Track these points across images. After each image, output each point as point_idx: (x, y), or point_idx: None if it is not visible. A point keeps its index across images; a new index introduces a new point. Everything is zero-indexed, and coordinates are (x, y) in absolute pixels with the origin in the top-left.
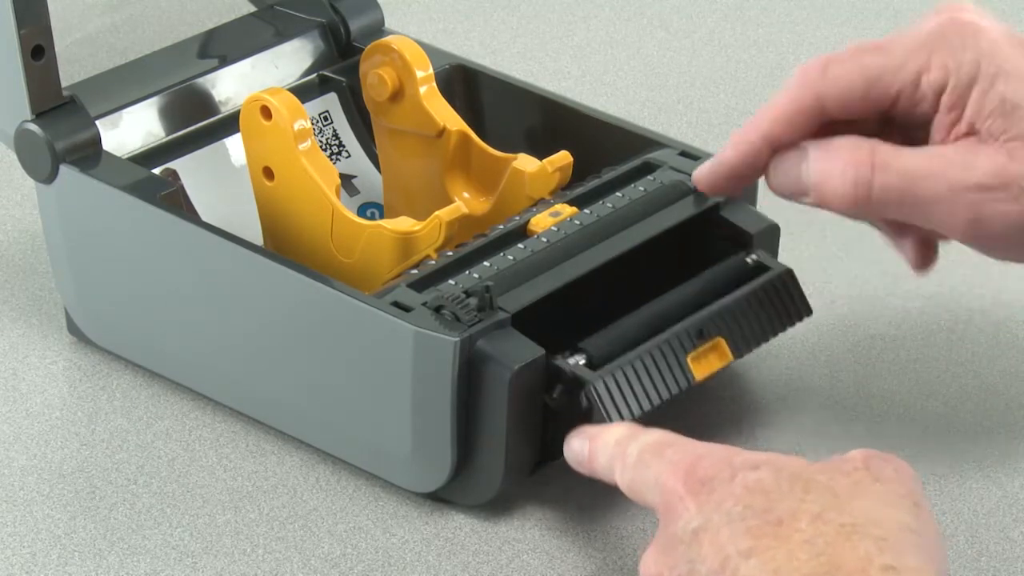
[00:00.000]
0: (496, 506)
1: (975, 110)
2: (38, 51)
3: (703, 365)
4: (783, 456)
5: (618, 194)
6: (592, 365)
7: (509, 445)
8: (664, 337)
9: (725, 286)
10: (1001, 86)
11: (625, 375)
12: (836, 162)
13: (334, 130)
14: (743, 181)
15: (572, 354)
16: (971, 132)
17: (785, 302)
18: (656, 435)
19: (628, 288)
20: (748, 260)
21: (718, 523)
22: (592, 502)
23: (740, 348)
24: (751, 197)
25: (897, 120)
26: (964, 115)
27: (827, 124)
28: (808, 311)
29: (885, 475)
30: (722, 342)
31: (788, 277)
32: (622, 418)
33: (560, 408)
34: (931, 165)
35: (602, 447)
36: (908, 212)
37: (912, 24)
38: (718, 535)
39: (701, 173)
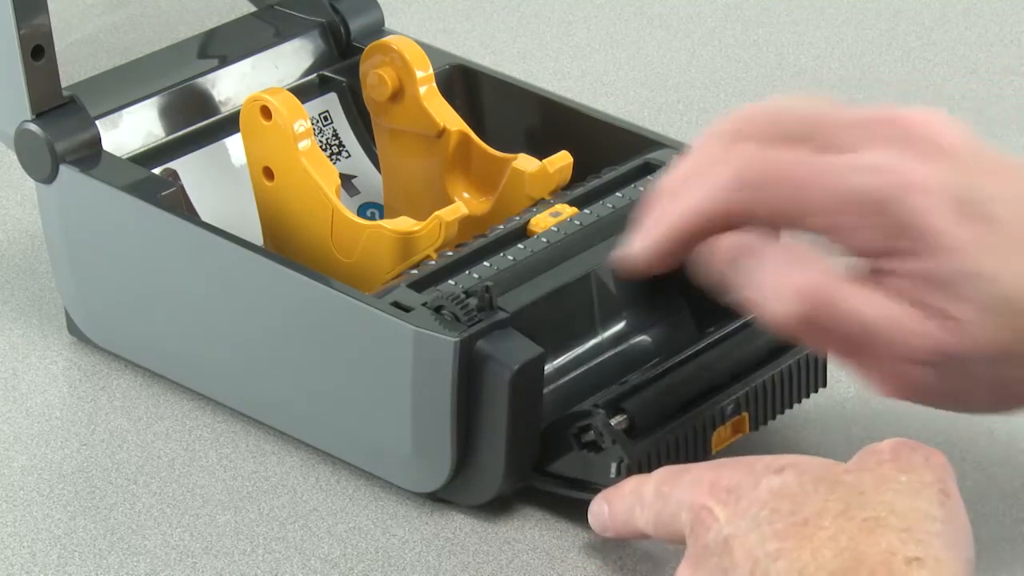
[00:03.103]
0: (496, 506)
1: (901, 283)
2: (38, 51)
3: (721, 437)
4: (805, 457)
5: (618, 194)
6: (633, 427)
7: (509, 445)
8: (701, 410)
9: (760, 349)
10: (928, 263)
11: (656, 447)
12: (786, 282)
13: (334, 130)
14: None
15: (614, 412)
16: (903, 298)
17: (811, 374)
18: (664, 470)
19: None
20: None
21: (746, 529)
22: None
23: (759, 422)
24: None
25: None
26: (889, 283)
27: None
28: (824, 383)
29: (913, 465)
30: (746, 417)
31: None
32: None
33: (579, 446)
34: (876, 319)
35: (619, 501)
36: (845, 358)
37: (870, 118)
38: (747, 540)
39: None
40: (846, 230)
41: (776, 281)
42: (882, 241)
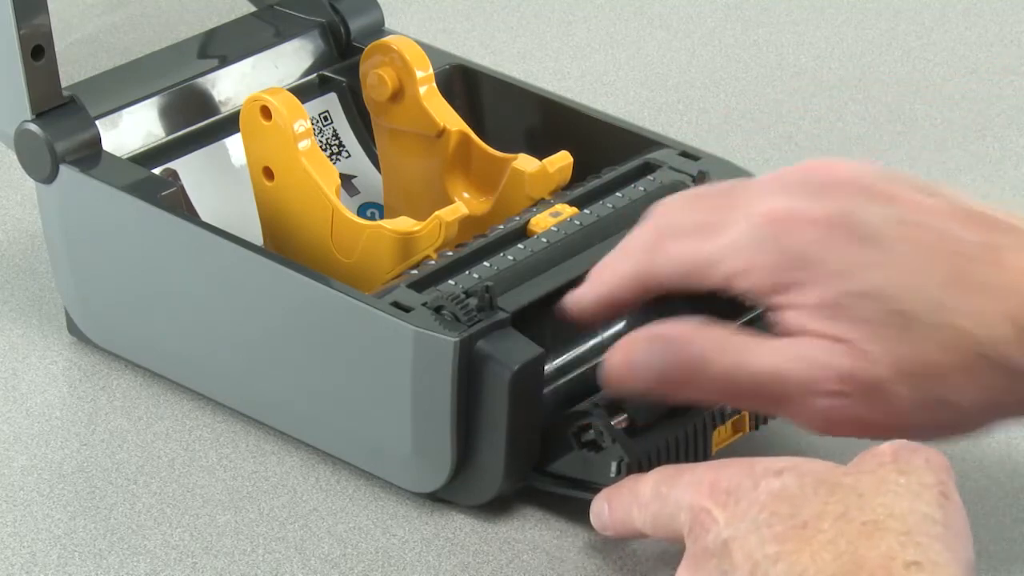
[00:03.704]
0: (496, 506)
1: (800, 317)
2: (38, 51)
3: (721, 437)
4: (805, 460)
5: (618, 194)
6: (633, 426)
7: (509, 445)
8: (700, 410)
9: None
10: (818, 290)
11: (656, 446)
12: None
13: (334, 130)
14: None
15: (614, 411)
16: (803, 331)
17: None
18: (662, 470)
19: None
20: None
21: (745, 531)
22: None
23: (759, 422)
24: None
25: None
26: (790, 318)
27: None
28: None
29: (913, 466)
30: (746, 416)
31: None
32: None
33: (579, 445)
34: (784, 364)
35: (618, 500)
36: (769, 409)
37: (779, 175)
38: (746, 542)
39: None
40: (741, 273)
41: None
42: (775, 277)
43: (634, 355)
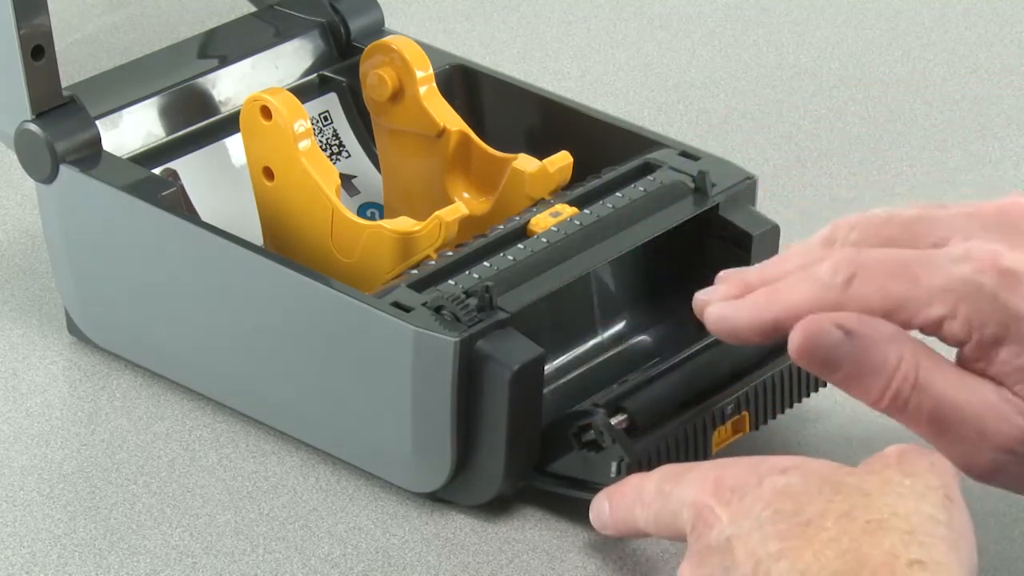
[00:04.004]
0: (496, 506)
1: (1001, 370)
2: (38, 51)
3: (721, 437)
4: (810, 459)
5: (618, 194)
6: (633, 426)
7: (509, 445)
8: (701, 409)
9: (760, 348)
10: None
11: (657, 446)
12: (883, 366)
13: (334, 130)
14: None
15: (614, 411)
16: (1000, 383)
17: (811, 373)
18: (665, 468)
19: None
20: None
21: (749, 528)
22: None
23: (759, 422)
24: (751, 198)
25: None
26: (989, 370)
27: None
28: (824, 382)
29: (918, 469)
30: (746, 416)
31: None
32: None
33: (579, 446)
34: (969, 403)
35: (619, 498)
36: (932, 437)
37: (971, 211)
38: (749, 539)
39: (716, 313)
40: (947, 319)
41: (874, 365)
42: (986, 329)
43: (818, 335)
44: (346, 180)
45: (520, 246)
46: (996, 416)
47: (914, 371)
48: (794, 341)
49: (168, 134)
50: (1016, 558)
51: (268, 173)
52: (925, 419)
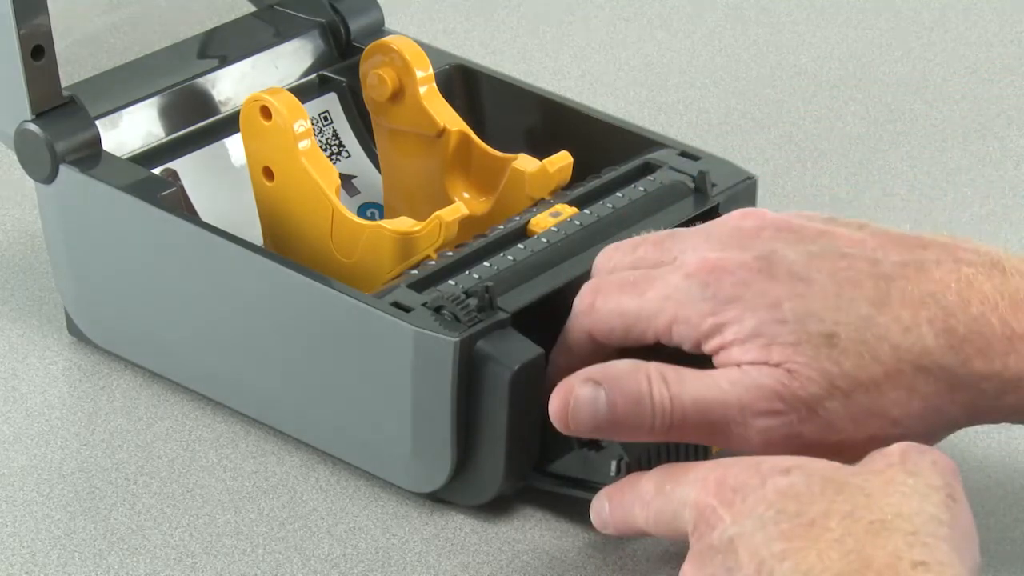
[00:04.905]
0: (496, 506)
1: (730, 355)
2: (38, 51)
3: None
4: (812, 459)
5: (618, 194)
6: None
7: (509, 445)
8: None
9: None
10: (747, 324)
11: (656, 446)
12: (639, 392)
13: (334, 130)
14: None
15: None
16: (737, 364)
17: None
18: (665, 467)
19: None
20: None
21: (752, 528)
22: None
23: None
24: (751, 198)
25: None
26: (724, 360)
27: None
28: None
29: (920, 468)
30: None
31: None
32: None
33: (579, 444)
34: (720, 388)
35: (619, 497)
36: (708, 437)
37: (710, 225)
38: (752, 540)
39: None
40: (673, 324)
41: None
42: (707, 322)
43: (571, 398)
44: (346, 180)
45: (520, 246)
46: (746, 388)
47: (664, 385)
48: (553, 408)
49: (168, 134)
50: (1016, 558)
51: (268, 173)
52: (693, 424)
